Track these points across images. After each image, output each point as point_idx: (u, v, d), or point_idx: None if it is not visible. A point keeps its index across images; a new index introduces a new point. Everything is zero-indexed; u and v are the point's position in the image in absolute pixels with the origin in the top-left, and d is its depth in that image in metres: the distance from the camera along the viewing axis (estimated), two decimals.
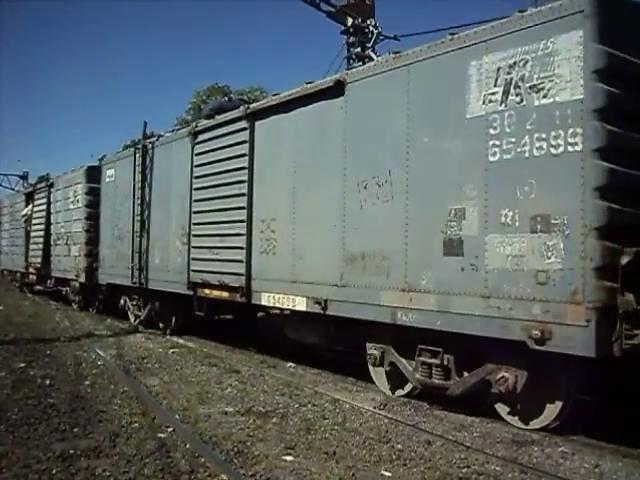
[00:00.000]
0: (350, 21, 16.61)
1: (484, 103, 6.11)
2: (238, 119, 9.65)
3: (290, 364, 9.72)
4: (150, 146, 12.91)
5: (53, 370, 8.58)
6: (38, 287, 22.22)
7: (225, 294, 9.93)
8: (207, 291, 10.43)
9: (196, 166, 10.81)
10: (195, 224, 10.75)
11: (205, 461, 4.94)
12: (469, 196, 6.21)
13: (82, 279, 16.77)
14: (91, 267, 16.49)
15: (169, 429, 5.81)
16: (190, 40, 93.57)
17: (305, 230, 8.27)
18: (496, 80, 6.02)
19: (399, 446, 5.52)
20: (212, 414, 6.44)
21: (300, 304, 8.28)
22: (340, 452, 5.28)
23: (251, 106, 9.47)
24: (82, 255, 16.76)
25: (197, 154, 10.82)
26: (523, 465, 5.16)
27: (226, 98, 10.57)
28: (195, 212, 10.75)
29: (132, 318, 14.57)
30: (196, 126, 10.92)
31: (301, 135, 8.45)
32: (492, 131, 6.02)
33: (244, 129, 9.52)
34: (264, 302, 9.02)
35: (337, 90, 7.82)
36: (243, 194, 9.44)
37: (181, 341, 12.08)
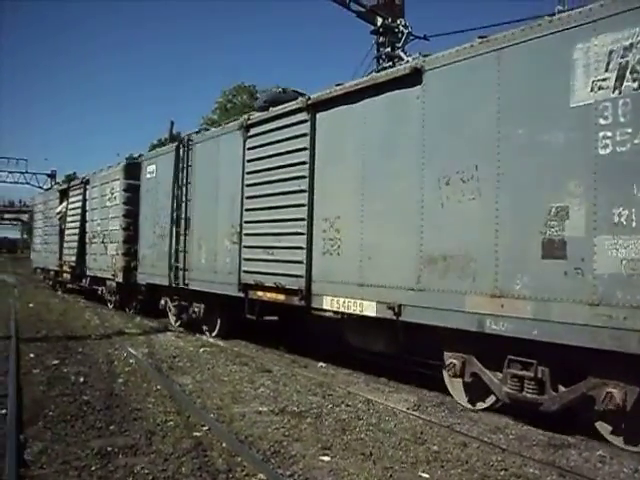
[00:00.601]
0: (380, 21, 16.63)
1: (592, 90, 5.54)
2: (298, 111, 9.17)
3: (321, 364, 9.69)
4: (194, 140, 12.50)
5: (86, 368, 8.65)
6: (71, 286, 22.02)
7: (281, 297, 9.46)
8: (260, 293, 9.97)
9: (248, 161, 10.36)
10: (247, 222, 10.30)
11: (242, 460, 4.94)
12: (574, 193, 5.63)
13: (119, 279, 16.46)
14: (129, 266, 16.18)
15: (204, 428, 5.82)
16: (218, 37, 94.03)
17: (375, 229, 7.76)
18: (607, 64, 5.45)
19: (435, 447, 5.49)
20: (246, 413, 6.46)
21: (369, 309, 7.77)
22: (376, 453, 5.26)
23: (312, 97, 8.97)
24: (120, 254, 16.44)
25: (249, 148, 10.36)
26: (561, 468, 5.10)
27: (280, 89, 10.02)
28: (247, 210, 10.30)
29: (173, 320, 14.20)
30: (248, 119, 10.46)
31: (370, 127, 7.94)
32: (602, 121, 5.45)
33: (304, 121, 9.04)
34: (326, 306, 8.52)
35: (413, 78, 7.29)
36: (303, 190, 8.95)
37: (211, 340, 12.07)
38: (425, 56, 7.41)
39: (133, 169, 16.39)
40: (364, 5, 17.19)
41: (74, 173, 47.29)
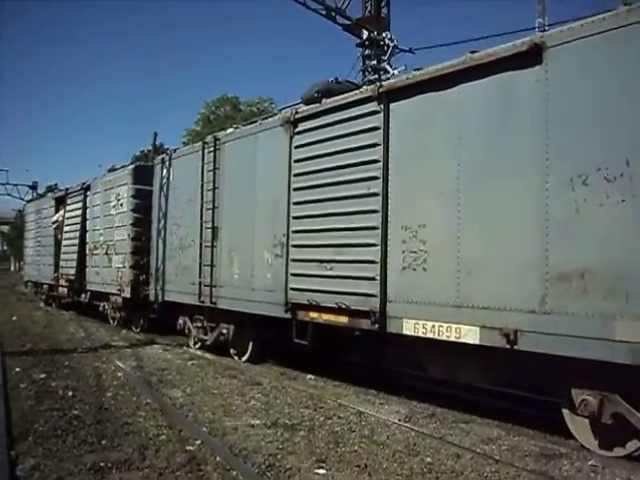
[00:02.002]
0: (365, 34, 16.67)
1: None
2: (365, 100, 7.89)
3: (310, 376, 9.68)
4: (223, 140, 11.18)
5: (74, 381, 8.61)
6: (65, 301, 20.49)
7: (343, 319, 8.14)
8: (314, 315, 8.64)
9: (296, 161, 9.06)
10: (296, 232, 8.98)
11: (237, 474, 4.98)
12: None
13: (126, 294, 15.01)
14: (137, 280, 14.79)
15: (197, 442, 5.82)
16: (200, 49, 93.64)
17: (477, 240, 6.49)
18: None
19: (429, 459, 5.52)
20: (239, 427, 6.47)
21: (469, 335, 6.48)
22: (371, 465, 5.30)
23: (384, 84, 7.71)
24: (127, 266, 15.02)
25: (297, 147, 9.06)
26: (554, 479, 5.16)
27: (333, 79, 8.76)
28: (296, 217, 8.99)
29: (192, 342, 12.80)
30: (296, 112, 9.17)
31: (468, 118, 6.67)
32: None
33: (374, 113, 7.76)
34: (407, 331, 7.21)
35: (530, 57, 6.06)
36: (374, 194, 7.67)
37: (199, 352, 12.02)
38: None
39: (143, 173, 15.04)
40: (350, 18, 17.26)
41: (55, 184, 47.91)
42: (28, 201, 56.32)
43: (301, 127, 9.01)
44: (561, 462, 5.57)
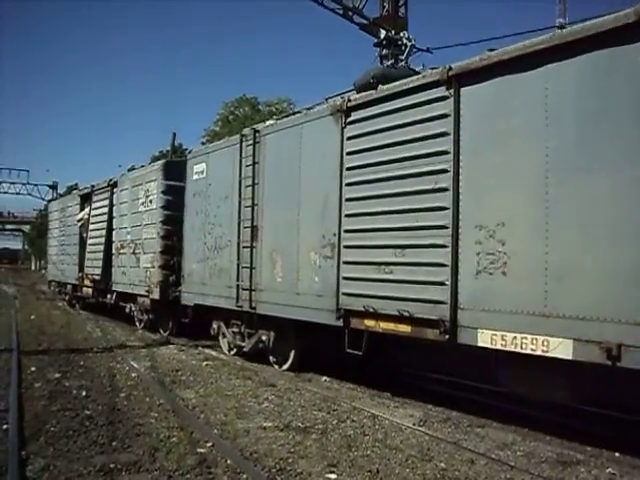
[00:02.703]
0: (383, 33, 16.72)
1: None
2: (432, 85, 7.18)
3: (325, 378, 9.67)
4: (263, 132, 10.53)
5: (88, 381, 8.69)
6: (92, 302, 20.09)
7: (404, 328, 7.43)
8: (370, 323, 7.95)
9: (349, 154, 8.38)
10: (349, 231, 8.30)
11: (247, 478, 4.98)
12: None
13: (155, 295, 14.48)
14: (167, 281, 14.26)
15: (208, 444, 5.82)
16: (220, 50, 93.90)
17: (571, 240, 5.73)
18: None
19: (442, 465, 5.47)
20: (251, 429, 6.47)
21: (560, 349, 5.74)
22: (384, 470, 5.26)
23: (454, 66, 6.99)
24: (156, 267, 14.49)
25: (350, 138, 8.38)
26: None
27: (388, 63, 8.04)
28: (349, 215, 8.31)
29: (226, 347, 12.23)
30: (348, 100, 8.48)
31: (557, 101, 5.93)
32: None
33: (442, 98, 7.05)
34: (483, 343, 6.48)
35: (637, 30, 5.32)
36: (442, 189, 6.96)
37: (214, 353, 12.10)
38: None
39: (174, 168, 14.50)
40: (367, 18, 17.31)
41: (76, 184, 49.89)
42: (51, 200, 57.33)
43: (354, 116, 8.33)
44: (578, 469, 5.49)
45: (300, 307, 9.19)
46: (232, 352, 12.01)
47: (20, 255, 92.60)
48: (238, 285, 10.77)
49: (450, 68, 6.96)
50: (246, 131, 11.03)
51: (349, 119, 8.41)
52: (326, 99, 9.55)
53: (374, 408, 7.66)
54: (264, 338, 10.55)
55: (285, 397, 8.10)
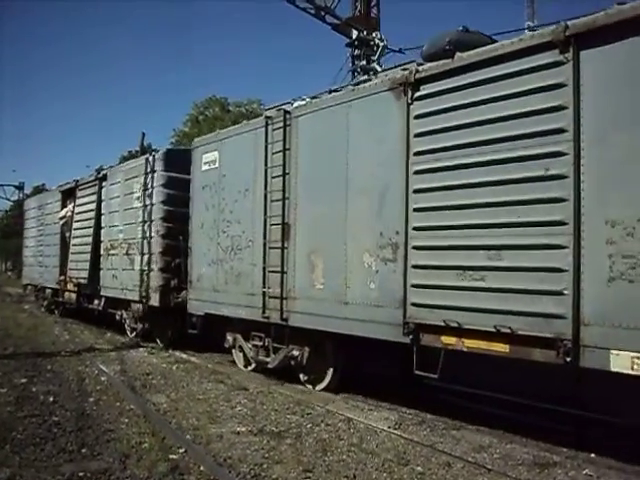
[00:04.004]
0: (355, 34, 16.99)
1: None
2: (540, 49, 5.88)
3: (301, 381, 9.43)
4: (295, 113, 9.14)
5: (56, 386, 8.61)
6: (71, 307, 18.47)
7: (500, 347, 6.13)
8: (449, 339, 6.63)
9: (418, 135, 7.05)
10: (420, 229, 6.97)
11: None
12: None
13: (154, 301, 13.02)
14: (168, 286, 12.83)
15: (181, 450, 5.80)
16: (187, 50, 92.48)
17: None
18: None
19: (419, 468, 5.51)
20: (224, 434, 6.43)
21: None
22: (360, 475, 5.30)
23: (571, 24, 5.68)
24: (155, 269, 13.04)
25: (420, 116, 7.05)
26: None
27: (461, 27, 6.75)
28: (419, 210, 6.98)
29: (241, 362, 10.88)
30: (416, 71, 7.14)
31: None
32: None
33: (555, 65, 5.76)
34: (619, 367, 5.20)
35: None
36: (557, 177, 5.67)
37: (184, 356, 12.14)
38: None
39: (176, 158, 13.11)
40: (339, 18, 17.46)
41: (43, 185, 50.52)
42: (23, 197, 56.36)
43: (426, 90, 7.00)
44: (555, 471, 5.55)
45: (349, 319, 7.87)
46: (249, 368, 10.66)
47: None
48: (264, 292, 9.39)
49: (567, 26, 5.65)
50: (272, 113, 9.61)
51: (418, 93, 7.07)
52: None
53: (348, 411, 7.70)
54: (296, 354, 9.19)
55: (258, 401, 8.13)
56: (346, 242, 7.98)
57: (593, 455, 6.08)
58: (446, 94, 6.78)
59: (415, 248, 6.98)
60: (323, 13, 17.56)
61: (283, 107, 9.50)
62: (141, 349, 12.83)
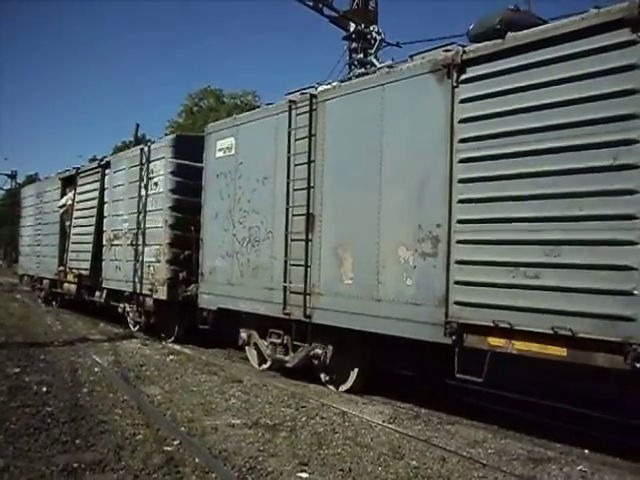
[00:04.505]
0: (353, 27, 16.96)
1: None
2: (606, 27, 5.47)
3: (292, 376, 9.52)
4: (322, 97, 8.71)
5: (49, 376, 8.62)
6: (70, 299, 18.05)
7: (556, 350, 5.73)
8: (498, 341, 6.23)
9: (464, 121, 6.64)
10: (464, 222, 6.56)
11: (216, 477, 4.98)
12: None
13: (161, 295, 12.60)
14: (176, 279, 12.41)
15: (175, 442, 5.81)
16: (183, 41, 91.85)
17: None
18: None
19: (414, 462, 5.55)
20: (219, 426, 6.47)
21: None
22: (356, 469, 5.31)
23: None
24: (162, 261, 12.61)
25: (466, 100, 6.64)
26: None
27: (512, 6, 6.35)
28: (465, 201, 6.57)
29: (255, 360, 10.49)
30: (463, 52, 6.72)
31: None
32: None
33: (625, 45, 5.35)
34: None
35: None
36: (628, 167, 5.28)
37: (178, 347, 12.24)
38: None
39: (186, 145, 12.73)
40: (337, 10, 17.49)
41: (36, 174, 49.52)
42: (7, 190, 56.17)
43: (473, 72, 6.59)
44: (549, 467, 5.59)
45: (382, 318, 7.47)
46: (264, 366, 10.27)
47: None
48: (285, 287, 8.99)
49: None
50: (296, 96, 9.15)
51: (464, 76, 6.65)
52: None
53: (343, 405, 7.74)
54: (319, 352, 8.79)
55: (252, 393, 8.17)
56: (379, 235, 7.58)
57: (587, 451, 6.15)
58: (497, 76, 6.37)
59: (460, 242, 6.58)
60: (321, 5, 17.44)
61: (308, 91, 9.05)
62: (134, 340, 12.81)
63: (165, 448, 5.64)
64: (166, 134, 34.05)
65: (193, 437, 6.06)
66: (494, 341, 6.26)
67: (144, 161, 13.57)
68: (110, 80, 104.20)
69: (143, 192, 13.56)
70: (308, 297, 8.60)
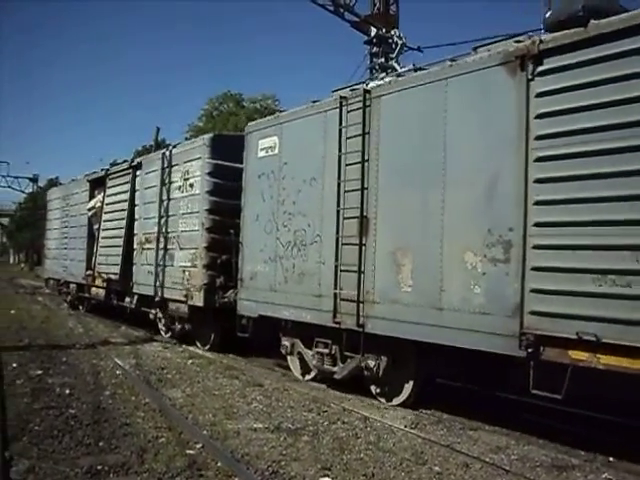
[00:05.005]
0: (374, 31, 17.31)
1: None
2: None
3: (308, 376, 9.81)
4: (376, 93, 8.39)
5: (71, 379, 8.78)
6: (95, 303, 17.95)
7: None
8: (580, 355, 5.84)
9: (540, 117, 6.26)
10: (542, 225, 6.18)
11: None
12: None
13: (197, 301, 12.34)
14: (213, 284, 12.12)
15: (198, 445, 5.90)
16: (204, 44, 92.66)
17: None
18: None
19: (437, 468, 5.57)
20: (241, 430, 6.57)
21: None
22: (378, 474, 5.36)
23: None
24: (199, 266, 12.35)
25: (542, 94, 6.26)
26: None
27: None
28: (542, 203, 6.17)
29: (298, 371, 10.23)
30: (540, 42, 6.35)
31: None
32: None
33: None
34: None
35: None
36: None
37: (199, 351, 12.44)
38: None
39: (224, 144, 12.46)
40: (358, 15, 17.99)
41: (57, 178, 51.67)
42: (29, 193, 57.38)
43: (552, 63, 6.22)
44: (574, 474, 5.60)
45: (445, 328, 7.12)
46: (307, 377, 9.96)
47: None
48: (336, 294, 8.66)
49: None
50: (347, 92, 8.84)
51: (541, 68, 6.28)
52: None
53: (364, 409, 7.84)
54: (371, 364, 8.42)
55: (273, 397, 8.29)
56: (442, 239, 7.23)
57: (612, 459, 6.14)
58: (579, 68, 6.00)
59: (536, 247, 6.20)
60: (342, 10, 17.94)
61: (360, 86, 8.74)
62: (155, 343, 13.06)
63: (188, 451, 5.74)
64: (186, 138, 34.60)
65: (215, 441, 6.15)
66: (576, 355, 5.87)
67: (178, 162, 13.32)
68: (131, 84, 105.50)
69: (177, 194, 13.29)
70: (361, 305, 8.26)
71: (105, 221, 16.71)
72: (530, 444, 6.60)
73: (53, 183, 45.14)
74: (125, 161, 16.28)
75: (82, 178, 19.60)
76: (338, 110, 8.85)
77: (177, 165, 13.48)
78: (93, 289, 17.60)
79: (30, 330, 13.79)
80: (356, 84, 8.92)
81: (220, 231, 12.09)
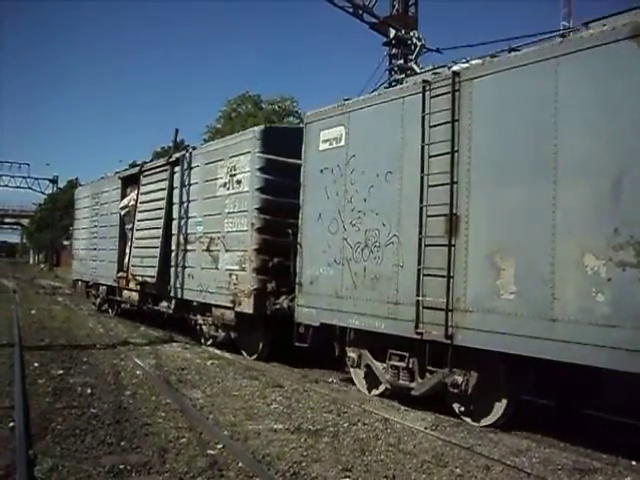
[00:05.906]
0: (392, 33, 17.58)
1: None
2: None
3: (332, 379, 10.27)
4: (469, 74, 7.68)
5: (92, 378, 9.10)
6: (128, 307, 17.59)
7: None
8: None
9: None
10: None
11: None
12: None
13: (246, 307, 11.70)
14: (264, 289, 11.47)
15: (219, 446, 6.04)
16: (223, 44, 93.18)
17: None
18: None
19: (458, 470, 5.67)
20: (261, 431, 6.71)
21: None
22: (399, 476, 5.47)
23: None
24: (248, 270, 11.71)
25: None
26: None
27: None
28: None
29: (364, 385, 9.61)
30: None
31: None
32: None
33: None
34: None
35: None
36: None
37: (218, 352, 12.56)
38: None
39: (277, 137, 11.81)
40: (377, 16, 18.20)
41: (76, 179, 53.36)
42: (48, 194, 58.32)
43: None
44: (596, 477, 5.68)
45: (558, 341, 6.37)
46: (374, 392, 9.30)
47: (18, 248, 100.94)
48: (418, 302, 7.94)
49: None
50: (430, 76, 8.17)
51: None
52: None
53: (385, 411, 7.97)
54: (459, 380, 7.71)
55: (293, 398, 8.43)
56: (554, 240, 6.52)
57: (634, 462, 6.19)
58: None
59: None
60: (361, 11, 18.09)
61: (442, 70, 8.07)
62: (175, 344, 13.35)
63: (209, 452, 5.87)
64: (205, 140, 34.56)
65: (236, 441, 6.31)
66: None
67: (224, 157, 12.72)
68: (150, 88, 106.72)
69: (222, 191, 12.69)
70: (451, 314, 7.56)
71: (139, 220, 16.18)
72: (551, 447, 6.70)
73: (74, 184, 46.26)
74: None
75: (113, 175, 19.10)
76: (420, 95, 8.17)
77: (222, 160, 12.86)
78: (125, 292, 17.09)
79: (51, 330, 14.16)
80: (441, 67, 8.21)
81: (271, 232, 11.48)
